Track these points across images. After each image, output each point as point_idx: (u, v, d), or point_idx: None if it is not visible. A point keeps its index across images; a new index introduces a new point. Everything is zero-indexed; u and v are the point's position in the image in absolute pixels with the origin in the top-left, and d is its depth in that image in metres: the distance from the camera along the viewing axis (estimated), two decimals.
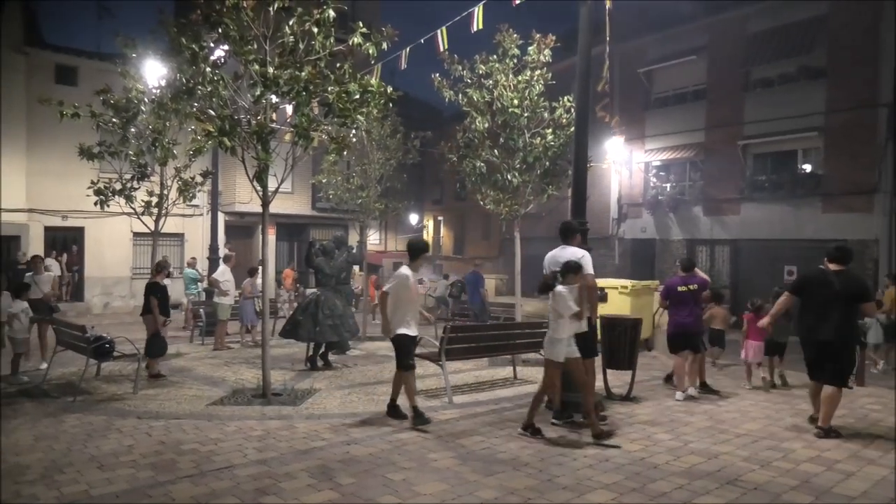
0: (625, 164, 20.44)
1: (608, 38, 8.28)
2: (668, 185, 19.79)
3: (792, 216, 16.17)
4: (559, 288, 5.82)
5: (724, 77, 17.83)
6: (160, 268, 9.39)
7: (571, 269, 5.87)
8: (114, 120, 9.70)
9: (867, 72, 14.84)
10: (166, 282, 18.26)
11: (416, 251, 6.65)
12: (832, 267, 6.24)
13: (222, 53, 7.12)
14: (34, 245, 18.12)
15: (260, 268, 12.06)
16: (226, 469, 4.95)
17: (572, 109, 9.29)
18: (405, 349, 6.43)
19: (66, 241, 19.37)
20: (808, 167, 16.49)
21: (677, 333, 7.84)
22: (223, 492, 4.48)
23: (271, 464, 5.07)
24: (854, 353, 6.47)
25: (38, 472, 4.90)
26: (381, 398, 7.54)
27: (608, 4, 7.90)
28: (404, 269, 6.56)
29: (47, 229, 18.61)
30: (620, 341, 7.66)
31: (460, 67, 10.04)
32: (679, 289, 7.91)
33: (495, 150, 10.09)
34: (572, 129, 8.53)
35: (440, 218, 36.29)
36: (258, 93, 6.89)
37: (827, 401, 6.05)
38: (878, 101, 14.69)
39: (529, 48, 9.87)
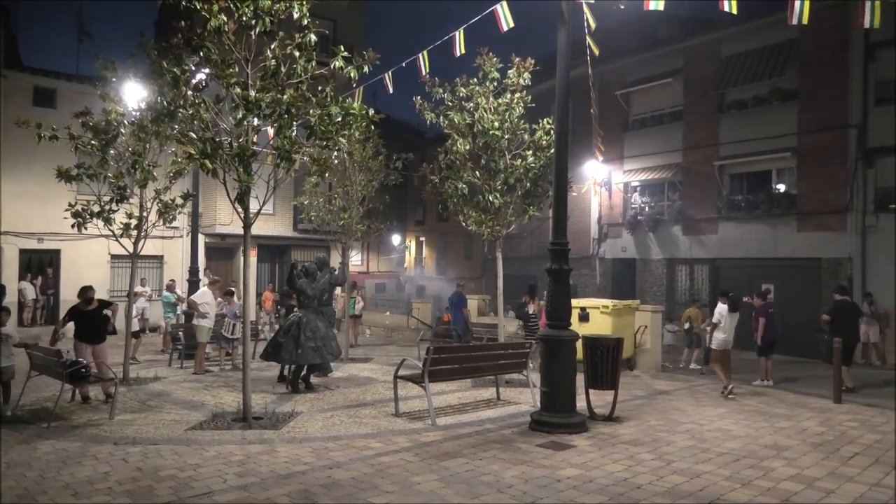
0: (604, 185, 20.71)
1: (590, 61, 8.41)
2: (647, 205, 20.07)
3: (768, 235, 16.46)
4: None
5: (700, 99, 18.21)
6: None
7: None
8: (93, 142, 9.61)
9: (837, 93, 15.24)
10: (144, 304, 17.97)
11: None
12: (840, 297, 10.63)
13: (204, 77, 7.14)
14: (9, 268, 17.79)
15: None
16: (205, 495, 4.86)
17: (552, 131, 9.43)
18: None
19: (41, 264, 19.06)
20: (782, 187, 16.83)
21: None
22: None
23: (252, 489, 5.00)
24: None
25: (9, 500, 4.77)
26: (363, 420, 7.49)
27: (589, 25, 7.99)
28: None
29: (22, 252, 18.30)
30: (602, 361, 7.71)
31: (441, 90, 10.16)
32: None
33: (477, 172, 10.19)
34: (552, 150, 8.65)
35: (422, 238, 36.38)
36: (240, 115, 6.91)
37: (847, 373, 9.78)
38: (847, 121, 15.09)
39: (509, 71, 10.02)
